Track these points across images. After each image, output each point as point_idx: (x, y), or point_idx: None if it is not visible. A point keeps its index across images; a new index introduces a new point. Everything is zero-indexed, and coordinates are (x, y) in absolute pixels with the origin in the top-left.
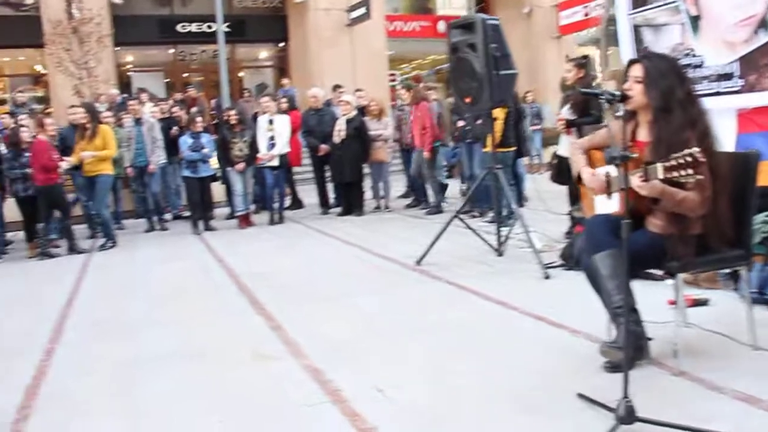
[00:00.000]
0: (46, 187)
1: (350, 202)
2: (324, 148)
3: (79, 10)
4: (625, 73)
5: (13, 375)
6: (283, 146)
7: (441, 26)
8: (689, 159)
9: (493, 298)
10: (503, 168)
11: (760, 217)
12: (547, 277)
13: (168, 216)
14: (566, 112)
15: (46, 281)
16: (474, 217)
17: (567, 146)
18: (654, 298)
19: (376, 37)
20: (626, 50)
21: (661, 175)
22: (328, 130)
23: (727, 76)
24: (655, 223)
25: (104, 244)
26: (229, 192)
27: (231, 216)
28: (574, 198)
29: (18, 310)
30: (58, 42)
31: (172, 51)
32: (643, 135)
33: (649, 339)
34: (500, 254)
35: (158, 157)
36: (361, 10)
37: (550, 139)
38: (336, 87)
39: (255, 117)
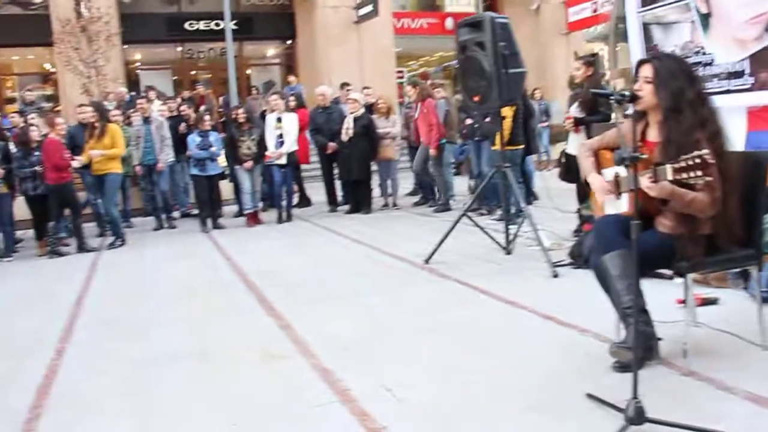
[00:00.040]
0: (58, 186)
1: (358, 200)
2: (332, 146)
3: (87, 8)
4: (634, 74)
5: (24, 374)
6: (291, 144)
7: (448, 23)
8: (698, 161)
9: (501, 297)
10: (512, 166)
11: None
12: (555, 276)
13: (176, 214)
14: (575, 110)
15: (56, 280)
16: (482, 214)
17: (576, 144)
18: (663, 297)
19: (384, 35)
20: (636, 48)
21: (670, 177)
22: (336, 128)
23: (738, 74)
24: (664, 224)
25: (113, 242)
26: (238, 190)
27: (239, 214)
28: (583, 196)
29: (29, 308)
30: (66, 41)
31: (180, 49)
32: (653, 135)
33: (659, 339)
34: (509, 252)
35: (167, 156)
36: (369, 8)
37: (558, 136)
38: (344, 85)
39: (263, 115)
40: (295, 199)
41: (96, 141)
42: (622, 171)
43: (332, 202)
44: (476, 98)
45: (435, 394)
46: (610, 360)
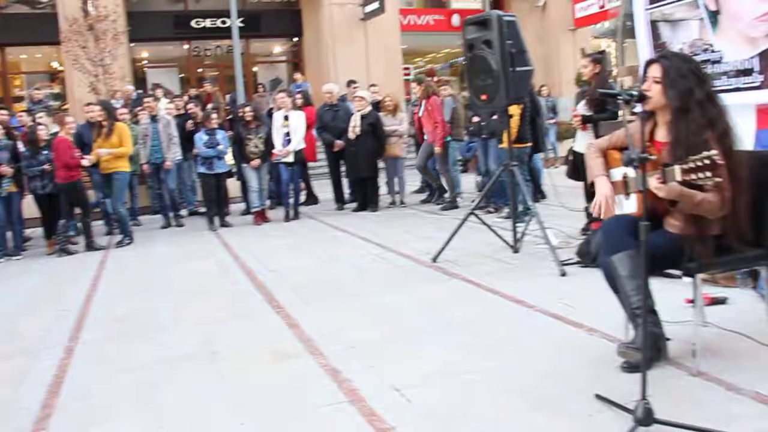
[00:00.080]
0: (68, 185)
1: (365, 198)
2: (339, 143)
3: (94, 7)
4: (643, 73)
5: (35, 373)
6: (298, 142)
7: (455, 20)
8: (708, 162)
9: (509, 296)
10: (519, 164)
11: None
12: (563, 275)
13: (184, 212)
14: (582, 108)
15: (65, 278)
16: (489, 212)
17: (583, 142)
18: (671, 296)
19: (390, 32)
20: (643, 46)
21: (679, 178)
22: (342, 125)
23: (747, 72)
24: (673, 224)
25: (121, 240)
26: (245, 188)
27: (246, 212)
28: (591, 194)
29: (38, 306)
30: (74, 39)
31: (186, 46)
32: (661, 135)
33: (668, 339)
34: (516, 251)
35: (174, 154)
36: (375, 5)
37: (565, 133)
38: (350, 82)
39: (270, 113)
40: (303, 197)
41: (104, 140)
42: (630, 171)
43: (339, 199)
44: (483, 97)
45: (443, 393)
46: (619, 360)
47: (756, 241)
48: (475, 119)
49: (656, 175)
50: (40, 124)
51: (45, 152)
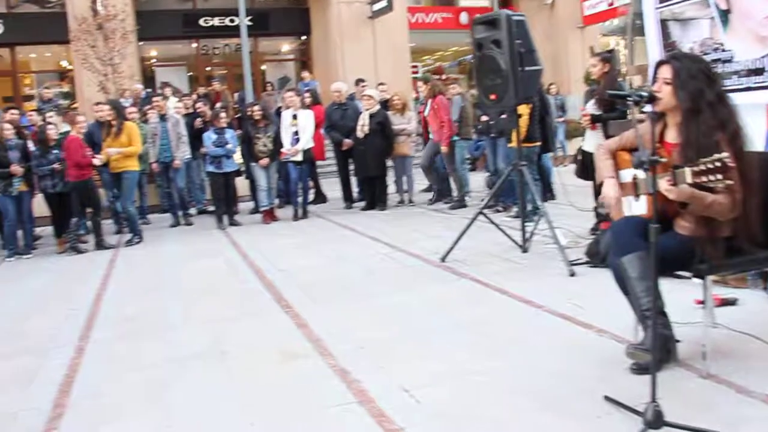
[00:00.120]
0: (79, 183)
1: (374, 197)
2: (347, 142)
3: (103, 6)
4: (653, 74)
5: (45, 372)
6: (307, 141)
7: (463, 18)
8: (719, 164)
9: (517, 296)
10: (528, 164)
11: None
12: (572, 275)
13: (193, 211)
14: (591, 107)
15: (75, 277)
16: (498, 212)
17: (592, 141)
18: (681, 296)
19: (398, 30)
20: (653, 45)
21: (689, 180)
22: (351, 124)
23: (758, 71)
24: (683, 225)
25: (131, 239)
26: (253, 187)
27: (255, 211)
28: (600, 194)
29: (48, 305)
30: (83, 38)
31: (195, 45)
32: (672, 136)
33: (678, 341)
34: (525, 251)
35: (183, 153)
36: (383, 3)
37: (574, 131)
38: (359, 81)
39: (278, 112)
40: (311, 196)
41: (113, 139)
42: (640, 173)
43: (348, 198)
44: (493, 96)
45: (452, 394)
46: (628, 362)
47: (767, 242)
48: (484, 118)
49: (666, 177)
50: (50, 123)
51: (55, 151)
